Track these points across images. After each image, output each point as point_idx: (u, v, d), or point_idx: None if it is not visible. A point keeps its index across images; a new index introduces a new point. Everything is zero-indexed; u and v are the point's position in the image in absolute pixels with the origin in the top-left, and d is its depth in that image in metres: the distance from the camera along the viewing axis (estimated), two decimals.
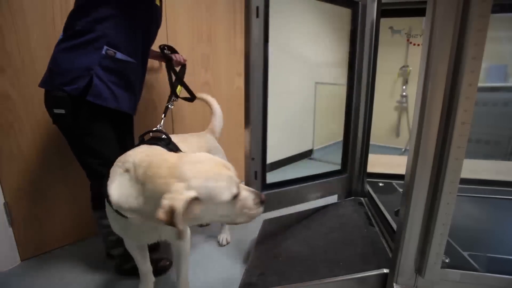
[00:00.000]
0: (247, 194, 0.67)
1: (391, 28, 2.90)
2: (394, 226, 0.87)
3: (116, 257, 1.08)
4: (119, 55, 0.92)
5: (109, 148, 0.96)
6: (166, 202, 0.57)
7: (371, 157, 1.30)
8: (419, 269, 0.67)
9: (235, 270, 1.14)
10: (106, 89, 0.90)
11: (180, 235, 0.59)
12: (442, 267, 0.66)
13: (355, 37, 1.18)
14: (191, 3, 1.71)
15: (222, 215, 0.66)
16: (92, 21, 0.87)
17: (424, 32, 0.61)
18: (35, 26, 1.14)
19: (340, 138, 1.28)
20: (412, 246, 0.67)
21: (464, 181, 1.20)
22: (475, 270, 0.68)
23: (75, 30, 0.88)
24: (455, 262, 0.70)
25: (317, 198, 1.19)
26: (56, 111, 0.87)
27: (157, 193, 0.61)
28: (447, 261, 0.69)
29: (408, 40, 2.89)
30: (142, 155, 0.70)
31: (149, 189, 0.63)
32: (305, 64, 2.87)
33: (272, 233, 1.18)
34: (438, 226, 0.62)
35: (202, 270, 1.14)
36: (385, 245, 0.86)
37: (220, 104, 2.04)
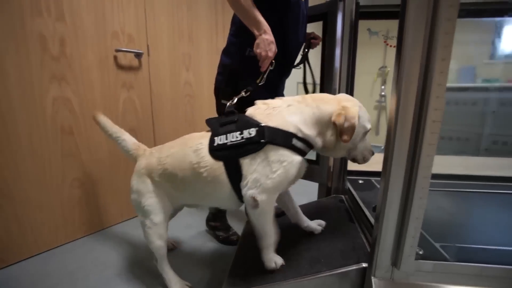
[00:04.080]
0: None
1: (368, 29, 3.00)
2: (373, 221, 0.90)
3: (210, 213, 1.38)
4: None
5: None
6: (343, 107, 0.76)
7: None
8: (395, 262, 0.70)
9: (219, 271, 1.13)
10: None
11: (346, 140, 0.75)
12: (416, 259, 0.69)
13: (325, 43, 1.27)
14: (171, 2, 1.68)
15: (356, 144, 0.82)
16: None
17: (397, 35, 0.63)
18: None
19: None
20: (389, 240, 0.69)
21: (436, 176, 1.26)
22: (446, 260, 0.72)
23: None
24: (428, 253, 0.73)
25: None
26: (223, 101, 1.04)
27: (324, 113, 0.77)
28: (421, 253, 0.72)
29: (385, 41, 3.00)
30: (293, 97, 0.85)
31: (321, 110, 0.78)
32: None
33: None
34: (412, 220, 0.65)
35: (185, 272, 1.13)
36: (364, 240, 0.89)
37: (202, 104, 2.03)
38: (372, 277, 0.73)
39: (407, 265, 0.69)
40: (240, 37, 1.05)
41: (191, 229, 1.48)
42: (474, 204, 1.13)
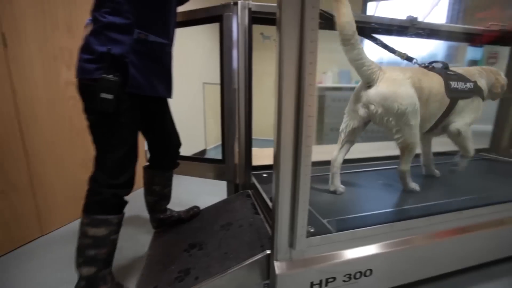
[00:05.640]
0: None
1: (262, 34, 3.24)
2: None
3: (83, 279, 0.88)
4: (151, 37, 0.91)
5: (135, 139, 0.94)
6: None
7: (257, 151, 1.42)
8: (291, 243, 0.78)
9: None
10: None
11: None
12: (307, 237, 0.80)
13: (223, 44, 1.30)
14: None
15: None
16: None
17: (276, 42, 0.70)
18: None
19: None
20: (284, 225, 0.77)
21: (326, 163, 1.47)
22: (330, 232, 0.85)
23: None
24: (318, 229, 0.85)
25: (200, 176, 1.47)
26: (103, 95, 0.82)
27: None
28: (312, 230, 0.83)
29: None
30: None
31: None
32: (193, 64, 2.85)
33: (164, 243, 1.11)
34: (300, 203, 0.74)
35: None
36: (268, 229, 0.96)
37: None
38: (274, 261, 0.80)
39: (301, 244, 0.79)
40: (124, 17, 0.85)
41: None
42: (355, 181, 1.38)
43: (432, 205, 1.05)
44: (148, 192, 1.21)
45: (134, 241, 1.37)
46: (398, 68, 1.11)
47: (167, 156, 1.19)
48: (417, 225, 0.96)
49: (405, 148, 1.07)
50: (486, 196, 1.13)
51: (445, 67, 1.23)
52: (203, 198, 1.86)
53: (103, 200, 0.87)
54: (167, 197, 1.23)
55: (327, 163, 1.59)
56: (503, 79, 1.29)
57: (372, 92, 1.04)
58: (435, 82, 1.12)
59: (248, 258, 0.84)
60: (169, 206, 1.29)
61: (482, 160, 1.71)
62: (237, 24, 1.28)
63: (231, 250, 0.90)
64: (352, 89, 3.71)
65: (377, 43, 1.21)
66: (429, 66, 1.23)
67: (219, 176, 1.39)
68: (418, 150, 1.34)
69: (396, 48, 1.21)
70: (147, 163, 1.21)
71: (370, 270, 0.88)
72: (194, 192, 2.03)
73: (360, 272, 0.87)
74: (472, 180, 1.37)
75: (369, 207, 1.04)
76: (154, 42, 0.91)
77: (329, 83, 3.26)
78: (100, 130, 0.88)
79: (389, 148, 1.64)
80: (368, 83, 1.06)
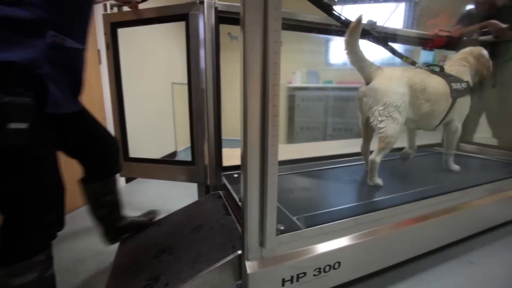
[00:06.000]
0: None
1: (229, 34, 3.21)
2: None
3: None
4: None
5: (57, 166, 0.76)
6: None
7: (227, 151, 1.41)
8: (261, 242, 0.79)
9: None
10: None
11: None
12: (277, 235, 0.81)
13: (189, 44, 1.28)
14: None
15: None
16: None
17: (241, 42, 0.70)
18: None
19: None
20: (254, 224, 0.77)
21: (295, 161, 1.50)
22: (299, 229, 0.87)
23: None
24: (288, 227, 0.87)
25: (170, 179, 1.45)
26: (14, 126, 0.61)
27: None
28: (282, 228, 0.84)
29: None
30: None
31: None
32: (160, 64, 2.75)
33: (132, 250, 1.06)
34: (269, 202, 0.75)
35: None
36: (239, 229, 0.95)
37: None
38: (246, 261, 0.80)
39: (271, 242, 0.79)
40: (30, 11, 0.63)
41: None
42: (324, 178, 1.42)
43: (393, 197, 1.12)
44: (99, 206, 1.04)
45: (98, 251, 1.29)
46: (398, 68, 1.20)
47: (110, 163, 1.03)
48: (380, 217, 1.02)
49: (384, 139, 1.15)
50: (440, 187, 1.23)
51: (441, 69, 1.36)
52: (174, 201, 1.81)
53: (31, 246, 0.70)
54: (120, 202, 1.12)
55: (298, 161, 1.64)
56: (486, 60, 1.39)
57: (368, 86, 1.17)
58: (440, 84, 1.26)
59: (219, 259, 0.83)
60: (136, 212, 1.23)
61: (435, 154, 1.87)
62: (203, 23, 1.25)
63: (202, 253, 0.88)
64: (320, 89, 3.87)
65: (387, 49, 1.30)
66: (426, 68, 1.35)
67: (189, 178, 1.36)
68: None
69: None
70: (84, 177, 1.01)
71: (339, 262, 0.92)
72: (164, 195, 1.97)
73: (329, 265, 0.90)
74: (427, 173, 1.49)
75: (336, 203, 1.09)
76: (71, 49, 0.73)
77: (298, 83, 3.36)
78: (9, 167, 0.66)
79: (355, 145, 1.72)
80: (367, 81, 1.18)
